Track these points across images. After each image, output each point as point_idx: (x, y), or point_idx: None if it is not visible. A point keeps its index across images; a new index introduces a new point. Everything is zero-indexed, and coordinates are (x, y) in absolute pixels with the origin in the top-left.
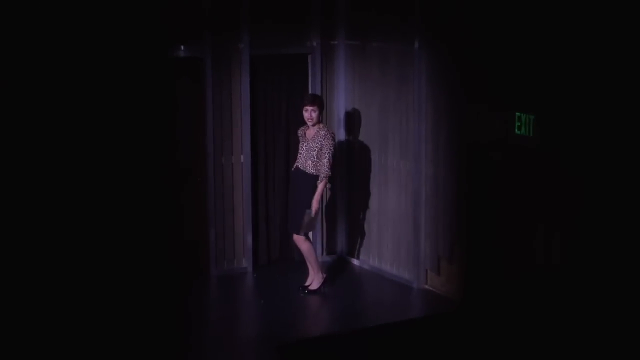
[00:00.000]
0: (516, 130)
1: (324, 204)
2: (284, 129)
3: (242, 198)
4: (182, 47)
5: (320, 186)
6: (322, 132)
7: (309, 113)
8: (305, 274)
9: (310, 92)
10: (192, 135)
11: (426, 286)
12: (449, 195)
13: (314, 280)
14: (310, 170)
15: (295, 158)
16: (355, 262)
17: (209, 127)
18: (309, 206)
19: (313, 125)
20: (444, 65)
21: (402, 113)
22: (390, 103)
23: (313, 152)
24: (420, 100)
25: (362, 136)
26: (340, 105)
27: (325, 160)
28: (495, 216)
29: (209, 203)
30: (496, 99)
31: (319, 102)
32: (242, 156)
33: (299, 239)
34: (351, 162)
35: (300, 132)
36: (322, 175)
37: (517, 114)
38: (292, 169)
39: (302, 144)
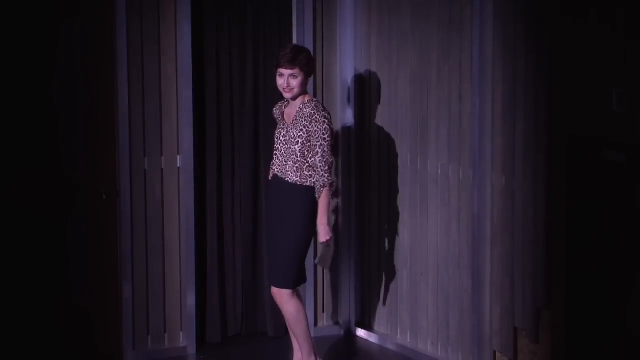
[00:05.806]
0: None
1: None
2: (252, 110)
3: (179, 229)
4: None
5: (322, 202)
6: (307, 111)
7: (286, 80)
8: (288, 356)
9: (292, 43)
10: (90, 120)
11: None
12: (534, 224)
13: None
14: (291, 177)
15: (271, 158)
16: (371, 337)
17: (122, 107)
18: (299, 238)
19: (294, 99)
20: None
21: (452, 84)
22: (432, 67)
23: (294, 146)
24: (484, 63)
25: (384, 123)
26: (346, 69)
27: (318, 158)
28: (617, 258)
29: (122, 238)
30: (613, 58)
31: (302, 61)
32: (179, 157)
33: (282, 296)
34: (364, 168)
35: (277, 111)
36: (319, 184)
37: None
38: (270, 177)
39: (280, 133)
